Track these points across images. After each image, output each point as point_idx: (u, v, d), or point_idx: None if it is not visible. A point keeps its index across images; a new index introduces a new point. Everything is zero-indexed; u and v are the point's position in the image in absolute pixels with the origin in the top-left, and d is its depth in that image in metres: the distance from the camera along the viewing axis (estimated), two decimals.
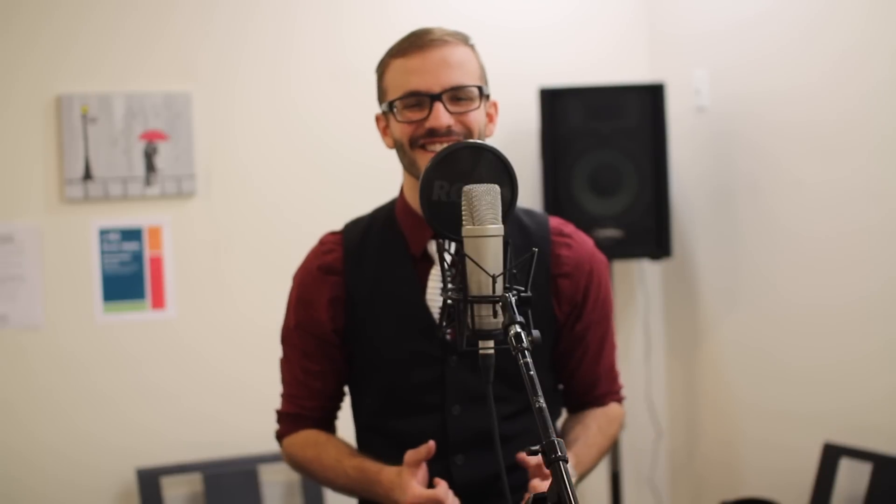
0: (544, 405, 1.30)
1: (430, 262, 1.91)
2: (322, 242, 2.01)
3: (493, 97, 1.95)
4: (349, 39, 3.50)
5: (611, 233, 3.52)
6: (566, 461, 1.26)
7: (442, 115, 1.81)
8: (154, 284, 3.33)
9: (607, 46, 3.86)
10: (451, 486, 1.87)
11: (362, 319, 1.93)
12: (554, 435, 1.27)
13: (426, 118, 1.82)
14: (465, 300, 1.45)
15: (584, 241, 2.02)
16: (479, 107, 1.86)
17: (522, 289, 1.45)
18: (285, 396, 2.05)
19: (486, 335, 1.45)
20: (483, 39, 3.64)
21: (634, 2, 3.89)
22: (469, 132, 1.84)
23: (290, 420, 2.04)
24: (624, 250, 3.56)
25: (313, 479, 2.05)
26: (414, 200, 1.91)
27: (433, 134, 1.81)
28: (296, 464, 2.05)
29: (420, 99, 1.83)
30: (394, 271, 1.92)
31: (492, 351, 1.45)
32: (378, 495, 1.85)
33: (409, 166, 1.88)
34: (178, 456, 3.31)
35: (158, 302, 3.34)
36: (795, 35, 3.26)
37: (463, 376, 1.89)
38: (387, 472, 1.84)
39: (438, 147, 1.80)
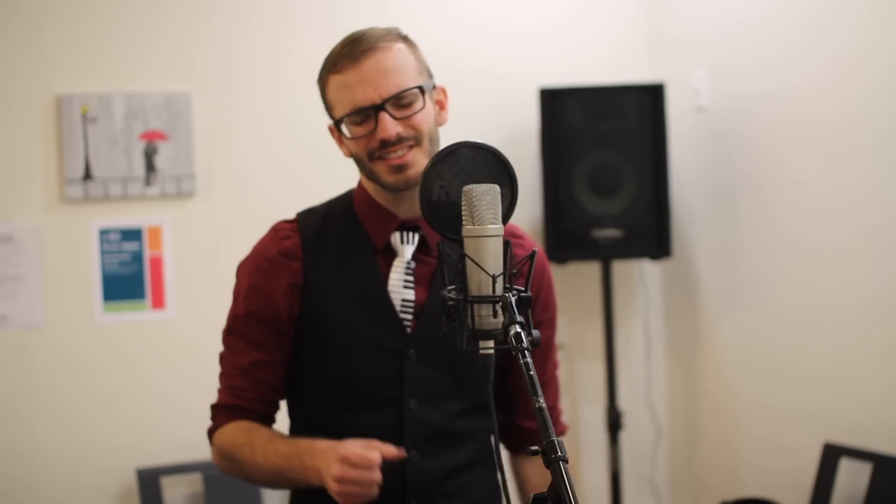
0: (544, 405, 1.31)
1: (393, 255, 1.90)
2: (277, 229, 1.98)
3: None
4: None
5: (611, 233, 3.52)
6: (566, 461, 1.26)
7: (389, 125, 1.80)
8: (154, 284, 3.33)
9: (607, 46, 3.87)
10: (404, 482, 1.87)
11: (320, 308, 1.89)
12: (553, 435, 1.27)
13: (374, 130, 1.81)
14: (465, 300, 1.45)
15: (534, 243, 1.99)
16: (423, 106, 1.84)
17: (522, 289, 1.45)
18: (224, 389, 1.97)
19: (486, 335, 1.45)
20: (483, 39, 3.69)
21: (634, 2, 3.89)
22: (419, 134, 1.83)
23: (227, 412, 1.96)
24: (624, 250, 3.56)
25: (241, 470, 1.92)
26: (376, 193, 1.91)
27: (385, 144, 1.81)
28: (225, 453, 1.94)
29: (365, 113, 1.81)
30: (355, 261, 1.90)
31: (492, 351, 1.45)
32: (305, 468, 1.77)
33: (370, 176, 1.87)
34: (178, 456, 3.31)
35: (158, 302, 3.34)
36: (795, 35, 3.26)
37: (421, 370, 1.87)
38: (323, 441, 1.77)
39: (394, 155, 1.81)
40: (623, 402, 3.75)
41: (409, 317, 1.87)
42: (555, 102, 3.53)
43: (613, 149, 3.54)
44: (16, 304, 3.21)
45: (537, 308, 1.97)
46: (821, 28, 3.16)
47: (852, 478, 3.06)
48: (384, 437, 1.85)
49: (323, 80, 1.89)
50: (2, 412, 3.21)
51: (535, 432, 1.98)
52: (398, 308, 1.87)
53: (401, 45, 1.87)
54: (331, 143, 3.85)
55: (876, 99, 2.99)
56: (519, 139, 3.66)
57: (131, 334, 3.32)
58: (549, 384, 2.03)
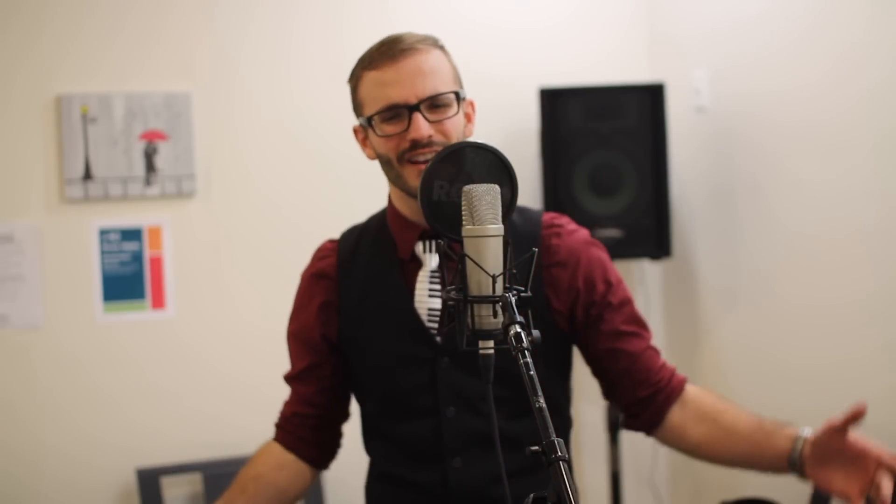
0: (544, 405, 1.31)
1: (419, 265, 1.90)
2: (319, 250, 2.02)
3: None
4: (349, 39, 3.50)
5: (611, 233, 3.52)
6: (566, 461, 1.26)
7: (422, 126, 1.79)
8: (154, 284, 3.33)
9: (607, 46, 3.86)
10: (447, 489, 1.87)
11: (353, 325, 1.93)
12: (554, 435, 1.27)
13: (406, 130, 1.80)
14: (465, 300, 1.45)
15: (576, 230, 1.96)
16: (457, 112, 1.84)
17: (522, 289, 1.46)
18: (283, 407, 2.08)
19: (487, 335, 1.45)
20: (483, 39, 3.69)
21: (634, 2, 3.89)
22: (448, 140, 1.81)
23: (276, 428, 2.05)
24: (624, 250, 3.56)
25: None
26: (401, 206, 1.91)
27: (416, 146, 1.79)
28: None
29: (398, 111, 1.80)
30: (382, 275, 1.91)
31: (492, 351, 1.45)
32: None
33: (395, 180, 1.86)
34: (178, 456, 3.31)
35: (158, 302, 3.34)
36: (795, 35, 3.26)
37: (455, 378, 1.87)
38: None
39: (423, 159, 1.79)
40: None
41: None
42: (555, 102, 3.53)
43: (613, 149, 3.54)
44: (16, 304, 3.21)
45: (596, 293, 1.90)
46: (821, 28, 3.16)
47: None
48: (424, 446, 1.88)
49: (356, 78, 1.87)
50: (1, 412, 3.21)
51: (643, 400, 1.94)
52: (425, 318, 1.87)
53: (438, 51, 1.86)
54: (330, 143, 3.84)
55: (876, 99, 2.99)
56: (519, 139, 3.66)
57: (131, 334, 3.32)
58: (642, 358, 1.93)
